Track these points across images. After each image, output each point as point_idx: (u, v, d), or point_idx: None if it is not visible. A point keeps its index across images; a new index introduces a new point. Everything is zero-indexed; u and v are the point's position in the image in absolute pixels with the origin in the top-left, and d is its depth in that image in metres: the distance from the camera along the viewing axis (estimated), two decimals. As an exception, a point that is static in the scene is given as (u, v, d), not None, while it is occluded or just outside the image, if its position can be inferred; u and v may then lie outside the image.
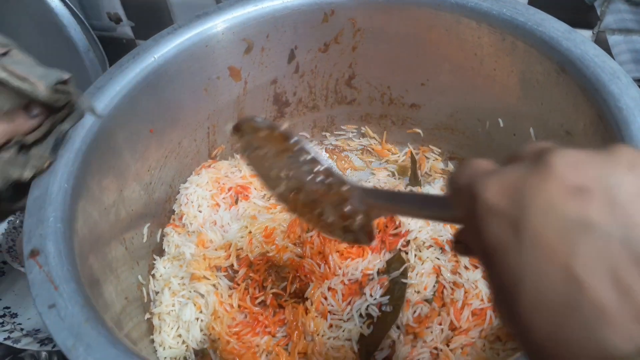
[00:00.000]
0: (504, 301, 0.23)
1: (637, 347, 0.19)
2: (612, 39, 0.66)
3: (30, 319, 0.71)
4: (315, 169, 0.42)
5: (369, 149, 0.78)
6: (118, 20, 0.87)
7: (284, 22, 0.63)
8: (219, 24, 0.61)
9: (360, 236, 0.40)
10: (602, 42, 0.68)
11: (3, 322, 0.70)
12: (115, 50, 0.85)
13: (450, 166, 0.74)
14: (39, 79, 0.42)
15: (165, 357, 0.56)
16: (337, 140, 0.78)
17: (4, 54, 0.43)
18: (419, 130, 0.74)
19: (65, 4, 0.75)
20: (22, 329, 0.70)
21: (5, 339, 0.67)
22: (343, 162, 0.78)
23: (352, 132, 0.77)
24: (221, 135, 0.69)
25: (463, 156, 0.72)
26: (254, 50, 0.64)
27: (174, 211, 0.66)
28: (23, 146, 0.44)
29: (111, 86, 0.55)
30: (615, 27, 0.66)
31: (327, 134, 0.78)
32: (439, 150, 0.74)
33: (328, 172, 0.41)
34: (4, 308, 0.73)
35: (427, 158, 0.74)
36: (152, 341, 0.58)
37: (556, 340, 0.20)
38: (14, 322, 0.71)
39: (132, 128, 0.56)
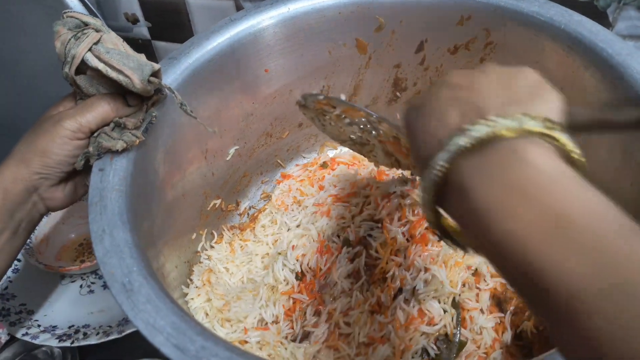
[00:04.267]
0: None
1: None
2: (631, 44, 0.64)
3: (47, 315, 0.73)
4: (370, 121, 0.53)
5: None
6: (135, 21, 0.88)
7: (420, 13, 0.64)
8: (357, -4, 0.64)
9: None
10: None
11: (20, 319, 0.71)
12: None
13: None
14: (133, 72, 0.46)
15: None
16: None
17: (97, 42, 0.47)
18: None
19: (84, 4, 0.76)
20: (39, 325, 0.71)
21: (23, 334, 0.69)
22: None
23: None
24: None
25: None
26: (384, 31, 0.67)
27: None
28: (120, 126, 0.49)
29: (246, 20, 0.62)
30: (627, 34, 0.66)
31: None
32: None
33: (380, 119, 0.52)
34: (20, 305, 0.74)
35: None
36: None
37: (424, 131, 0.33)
38: (31, 319, 0.72)
39: (248, 62, 0.64)
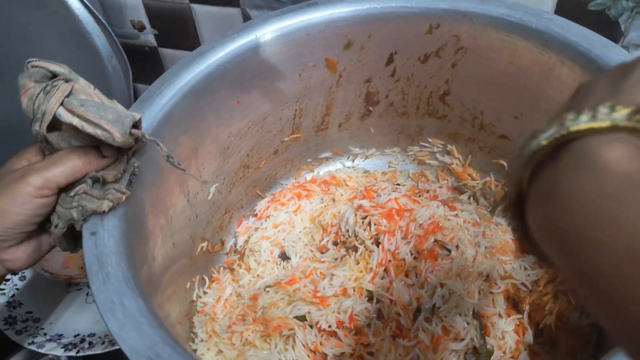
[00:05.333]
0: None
1: None
2: (636, 54, 0.66)
3: (53, 323, 0.73)
4: None
5: (450, 168, 0.76)
6: (142, 28, 0.87)
7: (387, 26, 0.64)
8: (326, 15, 0.63)
9: None
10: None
11: (26, 327, 0.71)
12: (137, 57, 0.90)
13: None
14: (112, 125, 0.42)
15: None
16: (421, 150, 0.78)
17: (69, 94, 0.43)
18: (504, 163, 0.71)
19: (90, 11, 0.76)
20: (45, 334, 0.71)
21: (29, 343, 0.69)
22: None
23: (437, 147, 0.76)
24: (307, 119, 0.73)
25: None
26: (353, 47, 0.66)
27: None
28: (98, 181, 0.45)
29: (213, 53, 0.60)
30: (639, 43, 0.66)
31: (412, 143, 0.78)
32: (520, 188, 0.70)
33: None
34: (27, 313, 0.74)
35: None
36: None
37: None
38: (37, 327, 0.72)
39: (220, 96, 0.61)
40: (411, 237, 0.58)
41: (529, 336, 0.55)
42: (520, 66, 0.60)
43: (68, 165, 0.43)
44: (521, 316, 0.56)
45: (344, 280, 0.56)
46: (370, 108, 0.74)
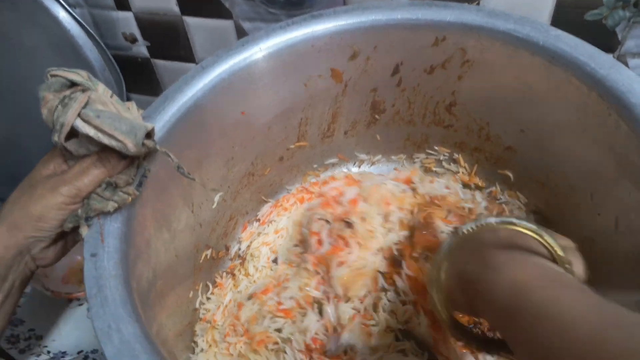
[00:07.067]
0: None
1: None
2: (632, 62, 0.67)
3: (55, 340, 0.73)
4: None
5: (456, 176, 0.76)
6: (134, 41, 0.87)
7: (393, 38, 0.63)
8: (330, 27, 0.62)
9: None
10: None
11: (29, 345, 0.71)
12: (130, 68, 0.90)
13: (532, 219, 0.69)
14: (126, 136, 0.43)
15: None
16: (427, 157, 0.77)
17: (85, 105, 0.44)
18: (510, 174, 0.70)
19: (80, 25, 0.76)
20: (48, 352, 0.71)
21: None
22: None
23: (443, 155, 0.76)
24: (312, 127, 0.73)
25: (547, 215, 0.67)
26: (359, 58, 0.65)
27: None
28: (111, 184, 0.46)
29: (217, 66, 0.60)
30: (636, 51, 0.66)
31: (419, 150, 0.77)
32: (526, 200, 0.70)
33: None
34: (29, 330, 0.74)
35: (511, 204, 0.71)
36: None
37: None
38: (40, 345, 0.72)
39: (224, 108, 0.62)
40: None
41: None
42: (526, 82, 0.59)
43: (95, 174, 0.46)
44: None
45: (294, 292, 0.58)
46: (377, 116, 0.74)
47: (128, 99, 0.92)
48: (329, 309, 0.59)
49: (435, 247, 0.59)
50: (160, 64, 0.92)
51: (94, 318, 0.42)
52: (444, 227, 0.63)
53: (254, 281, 0.67)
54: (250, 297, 0.62)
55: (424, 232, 0.62)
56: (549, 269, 0.40)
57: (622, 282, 0.52)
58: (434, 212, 0.64)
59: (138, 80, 0.92)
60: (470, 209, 0.69)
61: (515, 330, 0.37)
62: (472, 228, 0.46)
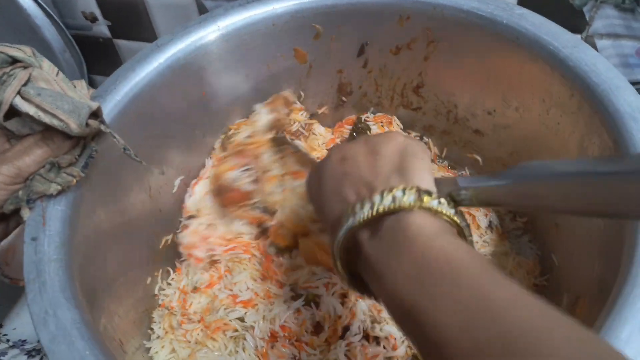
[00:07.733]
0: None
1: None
2: (600, 44, 0.65)
3: (16, 329, 0.71)
4: None
5: (425, 160, 0.74)
6: (94, 20, 0.85)
7: (356, 18, 0.61)
8: (292, 5, 0.60)
9: None
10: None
11: None
12: (92, 48, 0.88)
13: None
14: (69, 115, 0.41)
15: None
16: (397, 142, 0.76)
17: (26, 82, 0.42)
18: (479, 158, 0.69)
19: (38, 4, 0.73)
20: (7, 340, 0.68)
21: None
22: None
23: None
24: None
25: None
26: (322, 38, 0.63)
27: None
28: (55, 165, 0.44)
29: (173, 45, 0.58)
30: (604, 32, 0.64)
31: (388, 134, 0.76)
32: (494, 185, 0.69)
33: None
34: None
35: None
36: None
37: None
38: (0, 333, 0.69)
39: (182, 88, 0.59)
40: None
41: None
42: (491, 62, 0.58)
43: (38, 153, 0.44)
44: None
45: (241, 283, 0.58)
46: (344, 98, 0.72)
47: (90, 81, 0.90)
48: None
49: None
50: (122, 44, 0.89)
51: (31, 303, 0.40)
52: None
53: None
54: (195, 290, 0.60)
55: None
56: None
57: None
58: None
59: (100, 61, 0.90)
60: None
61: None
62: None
